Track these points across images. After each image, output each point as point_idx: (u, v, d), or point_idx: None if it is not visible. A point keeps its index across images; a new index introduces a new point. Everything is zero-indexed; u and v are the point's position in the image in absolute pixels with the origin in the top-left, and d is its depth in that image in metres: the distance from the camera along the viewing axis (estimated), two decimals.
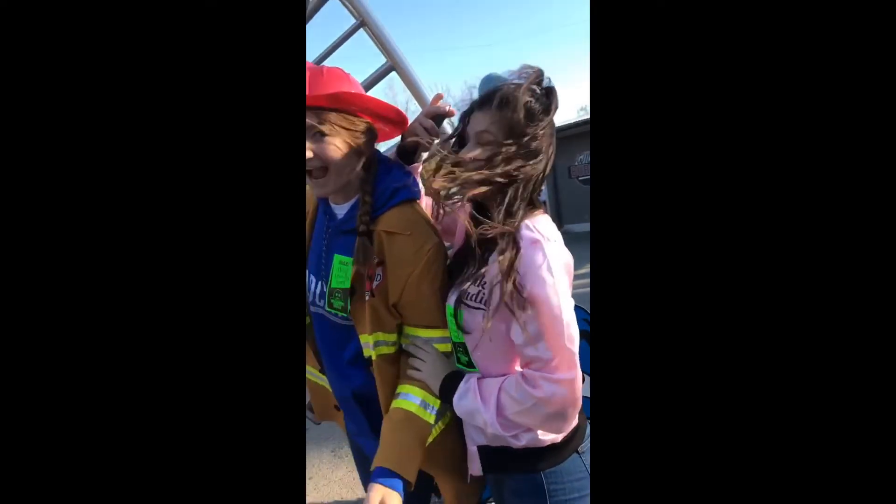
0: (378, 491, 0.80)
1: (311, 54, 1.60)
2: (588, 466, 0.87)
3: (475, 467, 0.93)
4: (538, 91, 0.85)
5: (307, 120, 0.83)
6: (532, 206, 0.86)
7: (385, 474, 0.82)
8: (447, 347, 0.92)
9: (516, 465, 0.88)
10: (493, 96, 0.83)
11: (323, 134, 0.85)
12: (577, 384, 0.76)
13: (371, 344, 0.90)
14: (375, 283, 0.88)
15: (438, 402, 0.91)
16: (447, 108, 0.99)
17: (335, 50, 1.59)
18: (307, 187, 0.93)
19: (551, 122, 0.86)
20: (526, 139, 0.81)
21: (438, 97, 1.03)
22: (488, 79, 0.89)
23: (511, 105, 0.81)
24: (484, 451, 0.91)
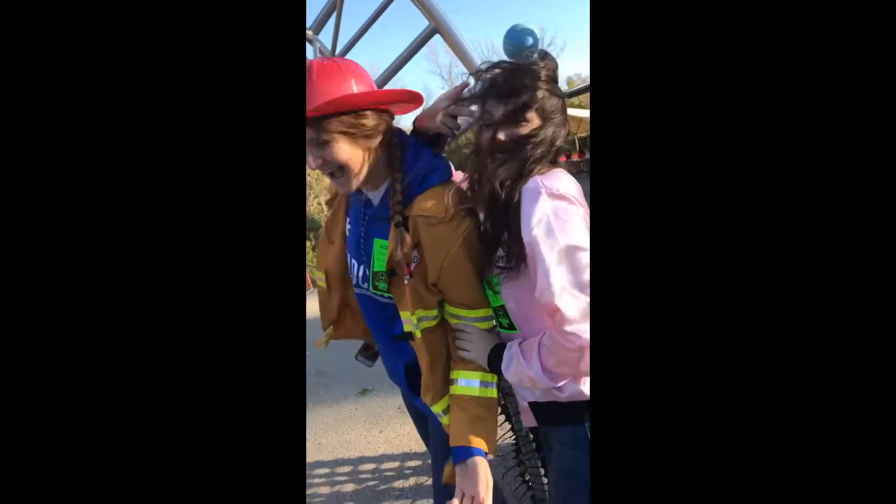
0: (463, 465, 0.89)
1: (352, 30, 1.60)
2: None
3: (529, 419, 0.99)
4: (539, 67, 0.87)
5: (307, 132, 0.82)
6: (552, 164, 0.90)
7: (462, 451, 0.90)
8: (489, 325, 0.96)
9: (564, 416, 0.92)
10: (508, 85, 0.86)
11: (326, 140, 0.83)
12: (583, 331, 0.76)
13: (414, 322, 0.93)
14: (413, 265, 0.90)
15: (494, 376, 0.95)
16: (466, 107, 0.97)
17: (373, 22, 1.58)
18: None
19: (555, 85, 0.90)
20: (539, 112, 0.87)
21: (464, 86, 0.98)
22: (512, 35, 0.89)
23: (526, 97, 0.86)
24: (534, 406, 0.96)
